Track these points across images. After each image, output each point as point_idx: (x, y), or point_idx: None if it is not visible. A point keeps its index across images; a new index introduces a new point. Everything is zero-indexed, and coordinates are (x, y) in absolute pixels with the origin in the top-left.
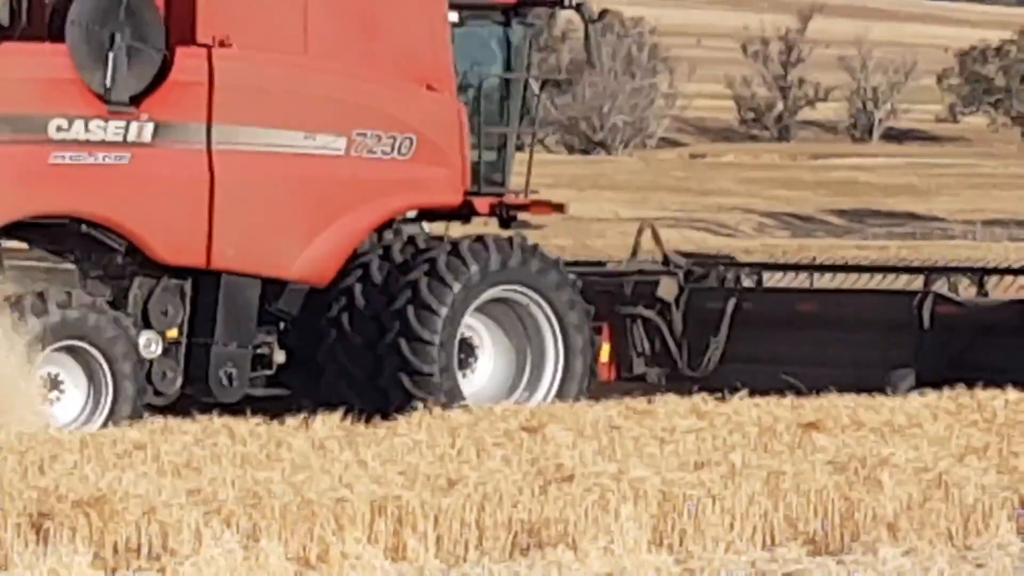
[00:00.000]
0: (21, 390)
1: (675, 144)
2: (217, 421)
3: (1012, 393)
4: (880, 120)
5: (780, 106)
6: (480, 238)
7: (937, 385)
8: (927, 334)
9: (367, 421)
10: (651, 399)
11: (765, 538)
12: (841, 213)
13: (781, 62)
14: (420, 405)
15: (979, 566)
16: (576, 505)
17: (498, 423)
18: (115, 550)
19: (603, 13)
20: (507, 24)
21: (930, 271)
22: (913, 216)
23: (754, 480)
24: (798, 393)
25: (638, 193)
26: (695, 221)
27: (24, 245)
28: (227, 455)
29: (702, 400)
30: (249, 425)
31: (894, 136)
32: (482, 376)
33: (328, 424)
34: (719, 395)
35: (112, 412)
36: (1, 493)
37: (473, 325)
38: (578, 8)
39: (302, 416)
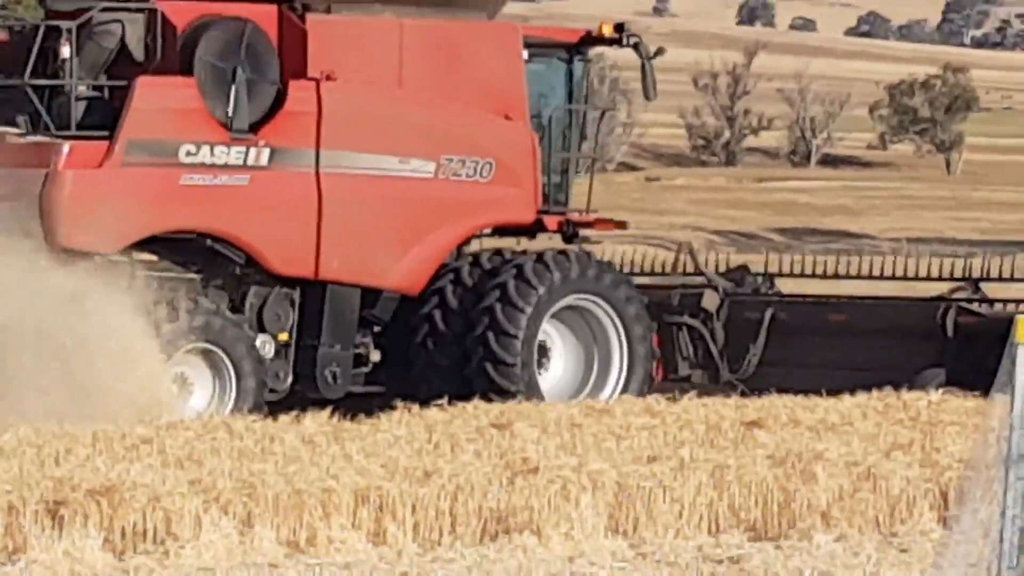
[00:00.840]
0: (157, 388)
1: (632, 168)
2: (216, 418)
3: (934, 395)
4: (817, 147)
5: (727, 134)
6: (563, 251)
7: (962, 385)
8: (950, 341)
9: (352, 419)
10: (617, 399)
11: (711, 525)
12: (782, 231)
13: (728, 94)
14: (445, 399)
15: (903, 551)
16: (540, 495)
17: (470, 420)
18: (123, 534)
19: (659, 51)
20: (570, 61)
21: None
22: (846, 234)
23: (701, 473)
24: (828, 393)
25: (601, 213)
26: (650, 238)
27: (153, 257)
28: (225, 449)
29: (655, 401)
30: (246, 422)
31: (830, 161)
32: (554, 376)
33: (317, 421)
34: (671, 396)
35: (235, 406)
36: (20, 483)
37: (548, 330)
38: (635, 47)
39: (293, 414)
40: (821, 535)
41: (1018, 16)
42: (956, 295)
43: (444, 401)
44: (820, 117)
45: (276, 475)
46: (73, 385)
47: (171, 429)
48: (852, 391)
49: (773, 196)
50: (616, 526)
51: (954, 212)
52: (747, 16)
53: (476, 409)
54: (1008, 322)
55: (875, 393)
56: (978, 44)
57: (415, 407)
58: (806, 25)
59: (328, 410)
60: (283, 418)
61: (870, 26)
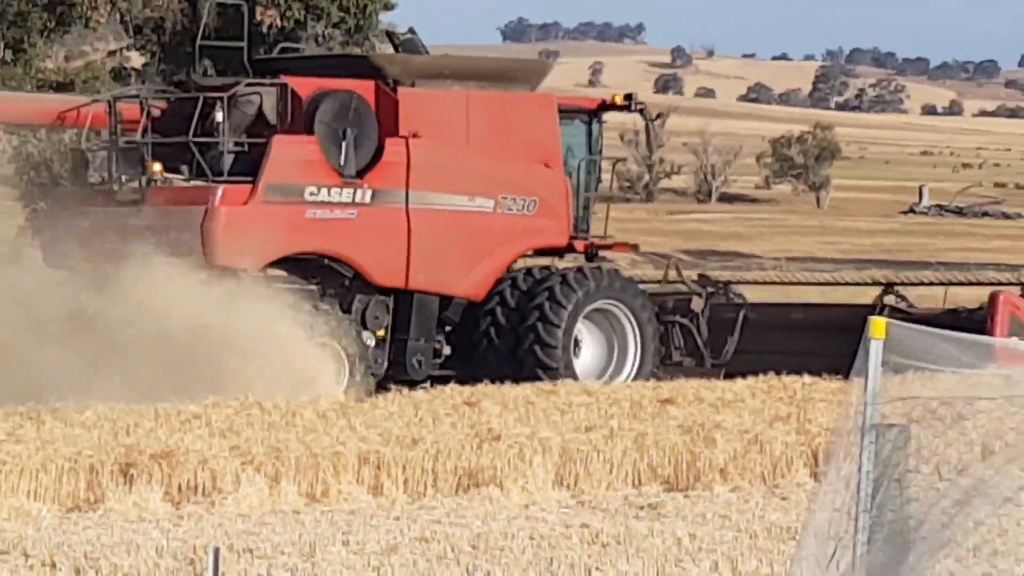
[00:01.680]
0: (298, 371)
1: None
2: (251, 398)
3: (807, 377)
4: (717, 187)
5: (647, 177)
6: (597, 266)
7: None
8: None
9: (357, 400)
10: (562, 382)
11: (634, 479)
12: (689, 252)
13: (647, 147)
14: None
15: (783, 499)
16: (501, 457)
17: (448, 399)
18: (179, 489)
19: (659, 115)
20: (590, 123)
21: (885, 286)
22: (739, 254)
23: (626, 439)
24: (776, 373)
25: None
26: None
27: (283, 273)
28: (257, 422)
29: (591, 383)
30: (274, 402)
31: (727, 198)
32: (584, 362)
33: (328, 400)
34: (604, 380)
35: (347, 386)
36: (99, 449)
37: (580, 328)
38: (641, 112)
39: (308, 398)
40: (720, 487)
41: (871, 86)
42: (886, 299)
43: (427, 385)
44: (719, 164)
45: (297, 442)
46: (226, 370)
47: (216, 407)
48: (745, 376)
49: (683, 225)
50: (561, 481)
51: (822, 237)
52: (662, 86)
53: (452, 391)
54: (928, 319)
55: (761, 377)
56: (840, 107)
57: (405, 389)
58: (708, 93)
59: (341, 394)
60: (304, 399)
61: (757, 94)
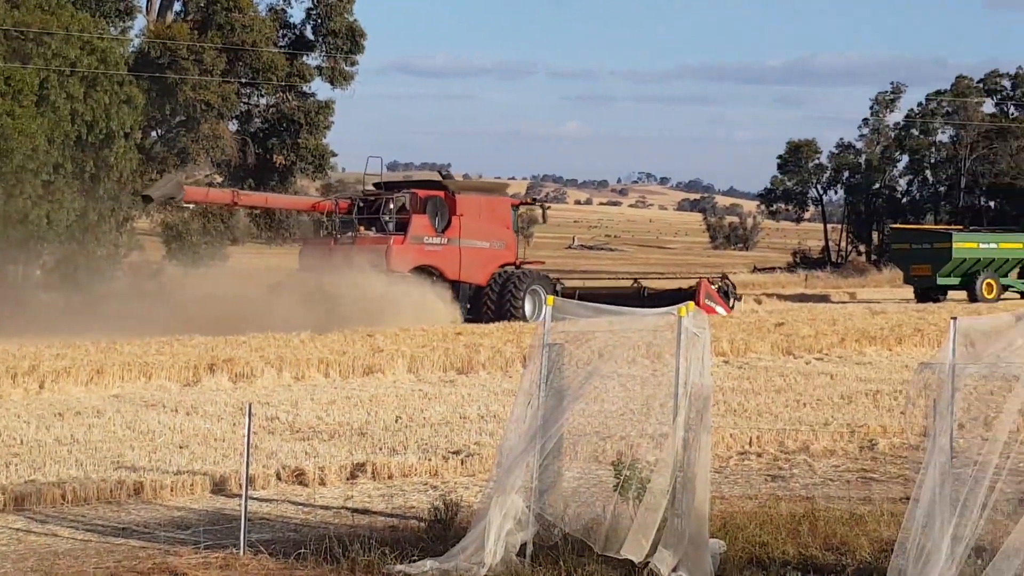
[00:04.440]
0: (440, 313)
1: None
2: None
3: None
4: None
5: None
6: (529, 270)
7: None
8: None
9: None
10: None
11: (444, 368)
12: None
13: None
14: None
15: (510, 378)
16: (383, 358)
17: (357, 334)
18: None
19: (543, 205)
20: (517, 208)
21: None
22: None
23: (438, 351)
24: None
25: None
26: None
27: (419, 274)
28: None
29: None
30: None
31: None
32: (528, 313)
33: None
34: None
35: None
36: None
37: (525, 297)
38: (538, 202)
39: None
40: (483, 372)
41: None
42: (636, 285)
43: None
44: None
45: (291, 351)
46: (405, 315)
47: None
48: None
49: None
50: (410, 369)
51: (538, 253)
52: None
53: (360, 331)
54: (663, 293)
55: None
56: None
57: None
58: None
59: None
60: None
61: None
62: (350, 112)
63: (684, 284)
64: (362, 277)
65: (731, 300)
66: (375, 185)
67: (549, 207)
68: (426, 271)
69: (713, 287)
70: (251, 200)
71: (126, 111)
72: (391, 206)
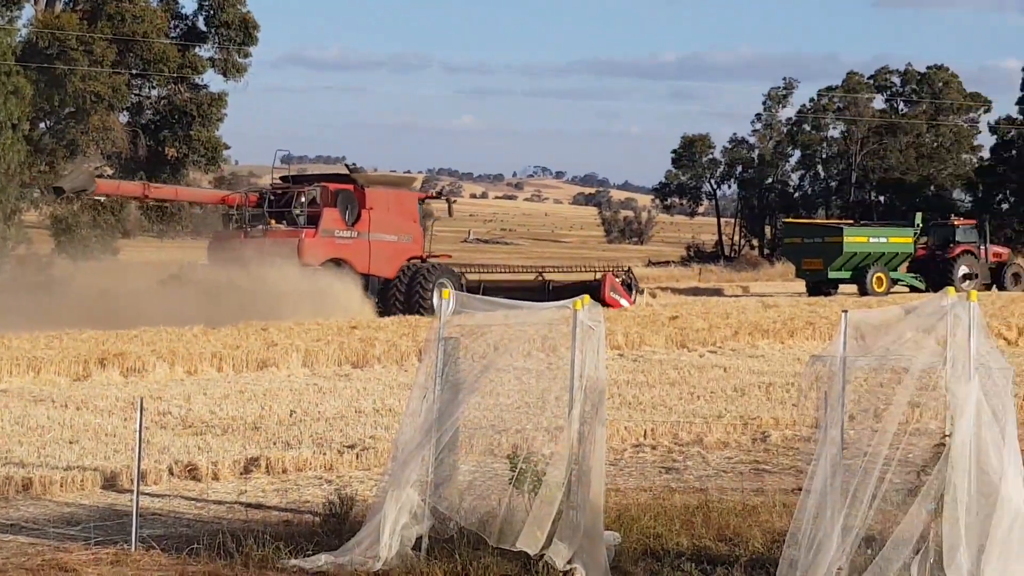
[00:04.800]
0: (357, 306)
1: None
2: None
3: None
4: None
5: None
6: (436, 264)
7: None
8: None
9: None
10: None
11: (339, 362)
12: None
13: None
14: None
15: (405, 372)
16: (278, 353)
17: (252, 327)
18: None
19: (451, 200)
20: (423, 202)
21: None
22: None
23: (333, 344)
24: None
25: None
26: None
27: (328, 266)
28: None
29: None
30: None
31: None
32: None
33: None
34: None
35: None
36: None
37: (433, 290)
38: (441, 195)
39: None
40: (378, 366)
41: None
42: (540, 278)
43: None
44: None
45: (184, 347)
46: (318, 309)
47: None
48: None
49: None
50: (304, 363)
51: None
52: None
53: (254, 324)
54: (574, 283)
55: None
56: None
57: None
58: None
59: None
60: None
61: None
62: (243, 104)
63: (588, 277)
64: (274, 270)
65: (634, 293)
66: (282, 178)
67: (455, 201)
68: (337, 264)
69: (618, 280)
70: (161, 193)
71: (14, 102)
72: (302, 199)
